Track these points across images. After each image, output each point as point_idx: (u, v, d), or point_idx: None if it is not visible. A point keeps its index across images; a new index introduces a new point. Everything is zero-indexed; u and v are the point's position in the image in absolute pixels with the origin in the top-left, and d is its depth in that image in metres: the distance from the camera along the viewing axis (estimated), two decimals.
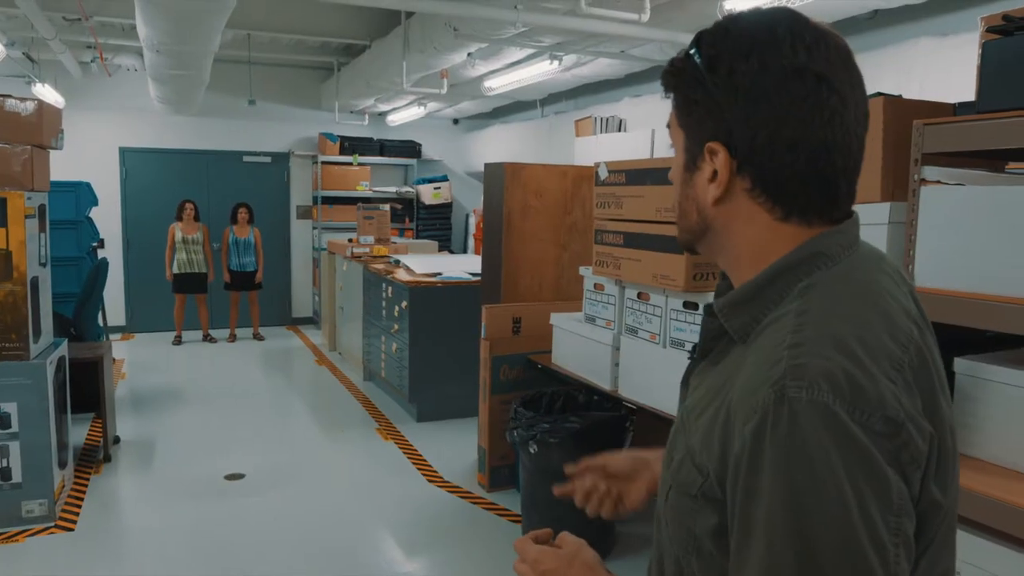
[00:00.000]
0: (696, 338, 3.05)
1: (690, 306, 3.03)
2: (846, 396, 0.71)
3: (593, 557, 1.03)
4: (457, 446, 4.90)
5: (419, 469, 4.57)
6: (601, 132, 6.85)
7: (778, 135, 0.82)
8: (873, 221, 2.14)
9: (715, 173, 0.86)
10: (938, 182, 1.96)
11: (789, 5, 3.82)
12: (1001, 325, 1.76)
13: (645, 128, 6.25)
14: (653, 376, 3.21)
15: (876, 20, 4.67)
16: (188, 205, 8.04)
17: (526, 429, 3.25)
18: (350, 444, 5.11)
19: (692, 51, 0.88)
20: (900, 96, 2.19)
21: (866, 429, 0.71)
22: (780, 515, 0.71)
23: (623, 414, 3.33)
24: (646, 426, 3.50)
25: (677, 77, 0.90)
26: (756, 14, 0.88)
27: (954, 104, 2.29)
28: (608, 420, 3.27)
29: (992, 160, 2.35)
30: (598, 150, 6.46)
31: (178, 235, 7.96)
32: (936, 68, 3.84)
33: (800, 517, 0.70)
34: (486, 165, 4.63)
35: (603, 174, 3.47)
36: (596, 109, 7.19)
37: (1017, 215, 1.76)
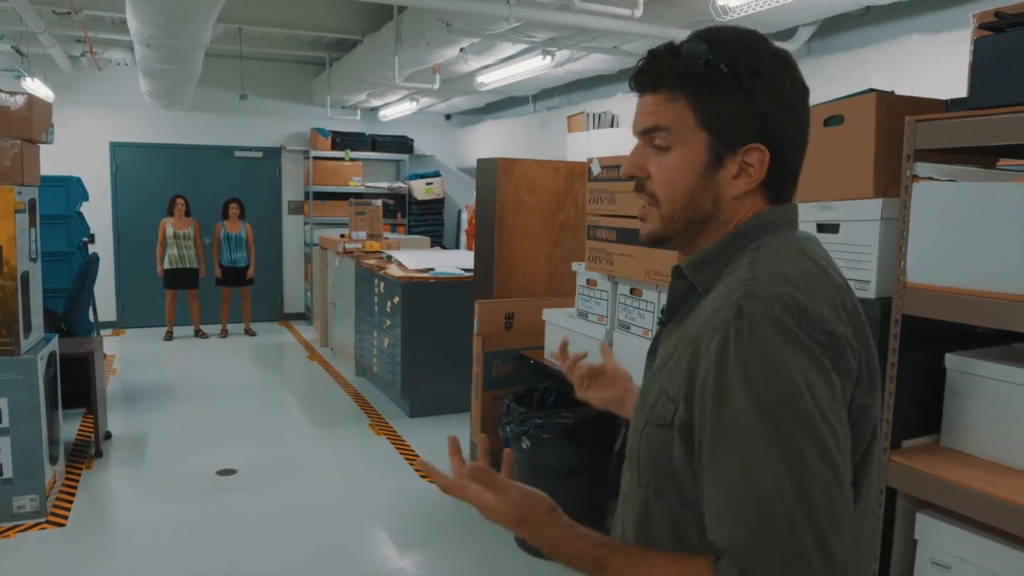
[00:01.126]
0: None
1: None
2: (793, 312, 0.88)
3: (551, 537, 1.00)
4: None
5: (412, 465, 4.58)
6: (594, 128, 6.85)
7: (798, 138, 1.00)
8: (865, 217, 2.15)
9: (743, 169, 0.98)
10: (930, 178, 1.97)
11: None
12: (991, 321, 1.77)
13: None
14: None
15: (869, 16, 4.69)
16: (179, 200, 8.00)
17: (519, 424, 3.26)
18: (342, 440, 5.11)
19: (711, 56, 0.96)
20: (893, 92, 2.19)
21: (810, 337, 0.87)
22: (747, 403, 0.85)
23: None
24: None
25: (701, 82, 0.97)
26: (745, 31, 1.00)
27: (946, 100, 2.30)
28: (601, 415, 3.27)
29: (983, 156, 2.37)
30: (590, 146, 6.47)
31: (169, 230, 7.93)
32: (928, 65, 3.85)
33: (764, 403, 0.84)
34: (479, 160, 4.63)
35: (596, 170, 3.47)
36: (589, 105, 7.19)
37: (1007, 211, 1.78)
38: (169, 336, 8.22)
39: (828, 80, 4.64)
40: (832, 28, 4.90)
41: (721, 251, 1.00)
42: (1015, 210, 1.77)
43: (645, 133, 1.02)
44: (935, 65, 3.78)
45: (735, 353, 0.86)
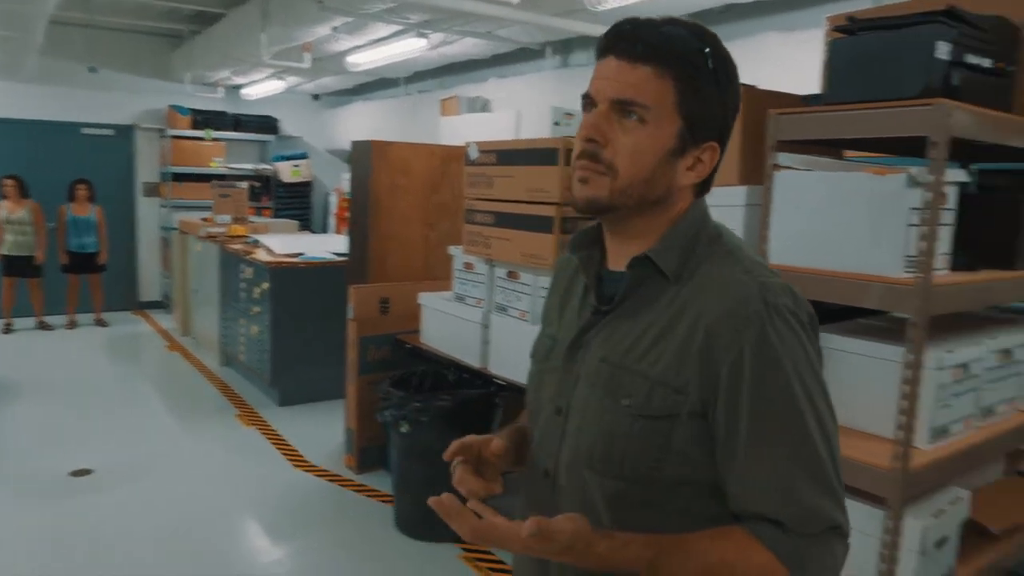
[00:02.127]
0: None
1: None
2: (795, 300, 0.99)
3: (597, 557, 0.94)
4: (323, 429, 4.80)
5: (284, 454, 4.44)
6: (467, 112, 6.85)
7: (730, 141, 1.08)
8: (731, 203, 2.28)
9: (697, 163, 1.03)
10: (789, 167, 2.10)
11: None
12: (844, 298, 1.92)
13: (510, 109, 6.30)
14: (522, 353, 3.25)
15: (728, 14, 4.94)
16: (8, 181, 7.32)
17: (397, 408, 3.23)
18: (208, 432, 4.88)
19: (707, 49, 1.00)
20: (755, 87, 2.32)
21: (809, 320, 1.01)
22: (792, 382, 0.95)
23: (492, 391, 3.37)
24: (515, 401, 3.56)
25: (694, 68, 0.99)
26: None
27: (802, 96, 2.47)
28: (478, 397, 3.31)
29: (832, 148, 2.56)
30: (464, 130, 6.46)
31: (2, 213, 7.26)
32: (784, 60, 4.11)
33: (804, 381, 0.96)
34: (353, 143, 4.52)
35: (473, 154, 3.48)
36: (462, 89, 7.19)
37: (857, 199, 1.93)
38: (7, 328, 7.55)
39: None
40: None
41: (689, 241, 1.04)
42: (864, 197, 1.93)
43: (623, 103, 0.99)
44: (791, 61, 4.03)
45: (777, 340, 0.95)
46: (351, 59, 6.65)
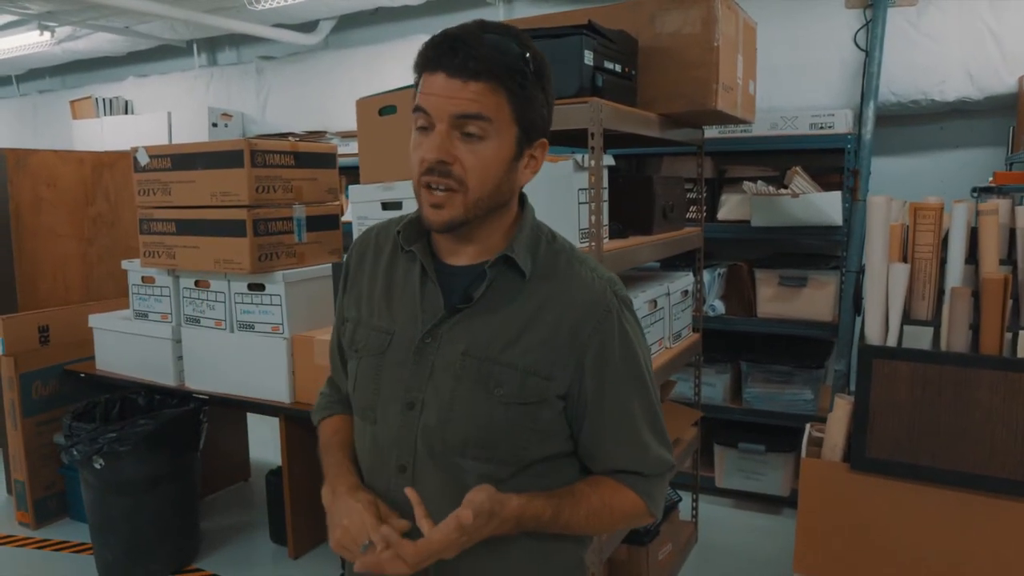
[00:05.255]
0: (265, 317, 3.06)
1: (256, 287, 3.07)
2: (626, 291, 1.20)
3: (514, 509, 1.07)
4: None
5: None
6: (105, 114, 6.23)
7: None
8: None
9: (531, 160, 1.13)
10: None
11: None
12: None
13: (158, 111, 5.89)
14: (223, 362, 3.18)
15: (379, 15, 5.16)
16: None
17: (88, 444, 2.93)
18: None
19: (527, 55, 1.05)
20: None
21: (634, 309, 1.21)
22: (643, 365, 1.17)
23: (194, 407, 3.22)
24: (215, 416, 3.43)
25: (521, 77, 1.05)
26: (526, 33, 1.11)
27: None
28: (181, 415, 3.13)
29: None
30: (106, 134, 5.90)
31: None
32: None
33: (647, 363, 1.19)
34: None
35: (143, 160, 3.26)
36: (94, 88, 6.50)
37: (536, 182, 2.24)
38: None
39: (347, 71, 5.02)
40: (349, 24, 5.27)
41: (534, 241, 1.17)
42: (543, 181, 2.25)
43: (464, 118, 1.02)
44: None
45: (631, 329, 1.15)
46: None
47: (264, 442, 4.33)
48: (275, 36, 5.14)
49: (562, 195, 2.22)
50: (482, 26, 1.04)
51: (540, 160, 1.14)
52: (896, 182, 3.68)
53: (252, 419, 4.10)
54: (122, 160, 4.05)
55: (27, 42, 5.08)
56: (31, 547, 3.47)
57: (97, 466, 2.97)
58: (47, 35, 4.90)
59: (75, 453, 2.97)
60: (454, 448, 1.09)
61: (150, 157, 3.22)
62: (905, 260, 1.89)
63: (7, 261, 3.81)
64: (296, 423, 3.08)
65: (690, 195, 3.42)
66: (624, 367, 1.14)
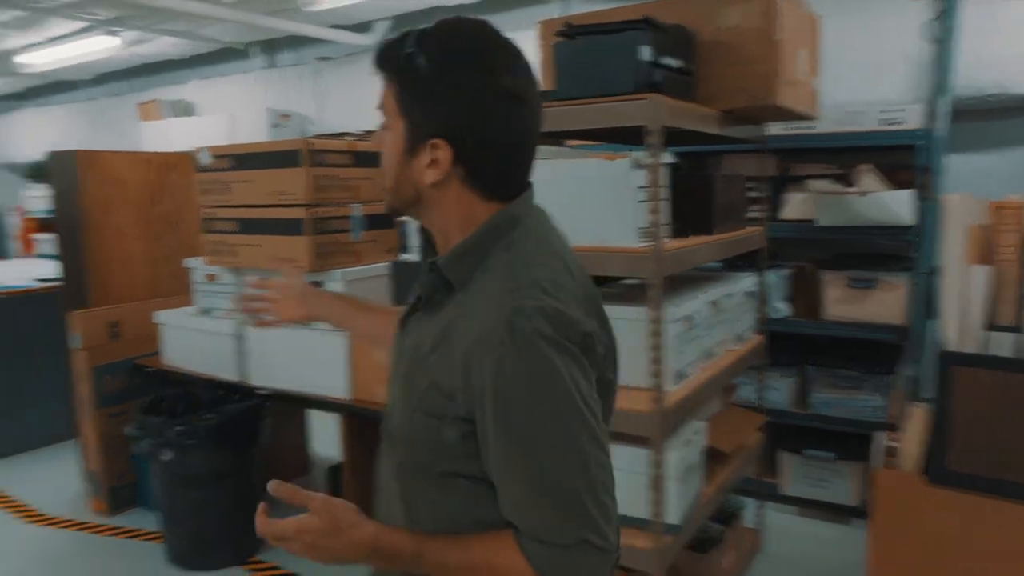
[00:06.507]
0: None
1: (315, 285, 3.10)
2: (555, 322, 0.97)
3: (368, 535, 1.03)
4: (54, 476, 4.25)
5: (11, 512, 3.88)
6: (171, 116, 6.40)
7: (489, 141, 1.04)
8: None
9: (433, 161, 1.04)
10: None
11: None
12: (593, 269, 2.19)
13: (219, 112, 6.02)
14: (285, 359, 3.22)
15: (433, 15, 5.17)
16: None
17: (156, 436, 3.01)
18: None
19: (412, 50, 1.03)
20: None
21: (571, 341, 0.99)
22: (533, 409, 0.96)
23: (257, 403, 3.28)
24: (277, 411, 3.49)
25: (400, 72, 1.05)
26: (469, 26, 1.06)
27: None
28: (244, 410, 3.19)
29: (553, 138, 2.85)
30: (172, 135, 6.06)
31: None
32: None
33: (545, 407, 0.97)
34: (52, 154, 4.03)
35: (205, 160, 3.32)
36: (159, 91, 6.68)
37: (592, 181, 2.22)
38: None
39: None
40: (405, 24, 5.30)
41: (472, 248, 1.06)
42: (599, 180, 2.22)
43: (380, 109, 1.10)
44: None
45: (513, 369, 0.95)
46: (21, 59, 5.87)
47: (325, 437, 4.39)
48: (332, 37, 5.21)
49: (619, 194, 2.18)
50: (427, 26, 1.07)
51: (444, 164, 1.04)
52: (971, 180, 3.52)
53: (312, 414, 4.15)
54: (186, 161, 4.15)
55: (96, 47, 5.25)
56: (105, 534, 3.59)
57: (166, 458, 3.05)
58: (116, 40, 5.05)
59: (144, 445, 3.06)
60: (393, 438, 1.13)
61: (212, 157, 3.29)
62: (985, 262, 1.80)
63: (79, 258, 3.94)
64: (356, 419, 3.10)
65: (752, 194, 3.34)
66: (505, 417, 0.97)
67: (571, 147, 3.22)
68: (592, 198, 2.24)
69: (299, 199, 3.03)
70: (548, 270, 1.04)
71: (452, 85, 1.02)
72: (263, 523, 1.05)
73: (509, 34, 1.07)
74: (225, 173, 3.27)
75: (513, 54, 1.06)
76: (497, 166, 1.06)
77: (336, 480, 3.31)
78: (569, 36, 2.31)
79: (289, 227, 3.07)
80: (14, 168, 8.50)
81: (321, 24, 5.12)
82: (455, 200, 1.07)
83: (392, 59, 1.06)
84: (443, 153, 1.03)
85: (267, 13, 4.85)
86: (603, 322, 1.11)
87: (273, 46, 6.35)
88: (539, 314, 0.96)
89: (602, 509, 0.99)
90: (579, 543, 0.98)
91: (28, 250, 7.77)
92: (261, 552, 3.32)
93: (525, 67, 1.06)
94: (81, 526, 3.68)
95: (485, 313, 0.99)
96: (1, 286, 4.81)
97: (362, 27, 5.30)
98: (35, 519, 3.80)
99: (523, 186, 1.11)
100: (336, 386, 3.07)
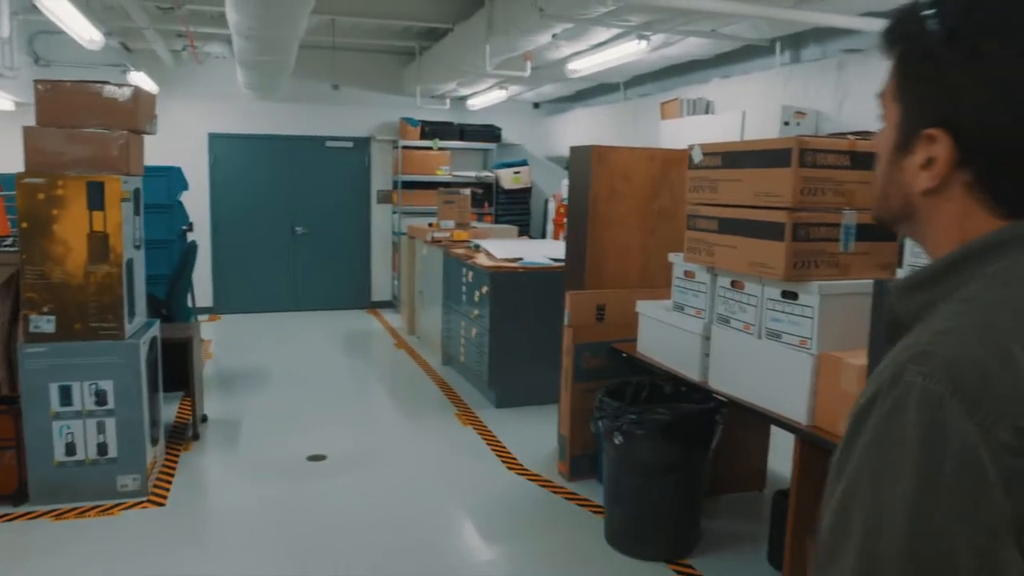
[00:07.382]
0: (794, 328, 2.84)
1: (789, 296, 2.86)
2: (969, 392, 0.62)
3: None
4: (536, 433, 4.84)
5: (498, 456, 4.53)
6: (688, 114, 6.63)
7: (1012, 133, 0.72)
8: None
9: (929, 161, 0.77)
10: None
11: None
12: None
13: (734, 110, 6.01)
14: (745, 368, 3.06)
15: None
16: None
17: (612, 419, 3.15)
18: (429, 428, 5.10)
19: (928, 12, 0.76)
20: None
21: (986, 433, 0.61)
22: (850, 502, 0.66)
23: (713, 406, 3.19)
24: (736, 419, 3.35)
25: (904, 42, 0.80)
26: None
27: None
28: (697, 412, 3.14)
29: None
30: (685, 133, 6.26)
31: None
32: None
33: (864, 514, 0.64)
34: (572, 149, 4.51)
35: (697, 157, 3.32)
36: (683, 91, 6.97)
37: None
38: None
39: None
40: None
41: (935, 277, 0.77)
42: None
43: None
44: None
45: (870, 427, 0.67)
46: (571, 66, 6.69)
47: (786, 457, 4.11)
48: (860, 26, 4.74)
49: None
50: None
51: (941, 165, 0.76)
52: None
53: (778, 430, 3.92)
54: (686, 158, 4.22)
55: (628, 51, 5.68)
56: (561, 496, 3.93)
57: (616, 442, 3.17)
58: (643, 43, 5.39)
59: (600, 425, 3.22)
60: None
61: (704, 154, 3.26)
62: None
63: (581, 243, 4.33)
64: (811, 447, 2.80)
65: None
66: (838, 475, 0.69)
67: None
68: None
69: (784, 201, 2.82)
70: (1018, 311, 0.69)
71: (973, 52, 0.72)
72: None
73: None
74: (714, 171, 3.22)
75: None
76: (1020, 168, 0.74)
77: (781, 506, 3.05)
78: None
79: (768, 231, 2.88)
80: (559, 160, 9.81)
81: (851, 13, 4.71)
82: (959, 216, 0.77)
83: (901, 25, 0.80)
84: (941, 149, 0.75)
85: (792, 6, 4.65)
86: None
87: (798, 41, 6.09)
88: (947, 369, 0.65)
89: None
90: None
91: (559, 232, 8.92)
92: (694, 555, 3.24)
93: None
94: (544, 483, 4.09)
95: (893, 352, 0.72)
96: (526, 260, 5.58)
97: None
98: (512, 467, 4.35)
99: None
100: (795, 407, 2.81)
